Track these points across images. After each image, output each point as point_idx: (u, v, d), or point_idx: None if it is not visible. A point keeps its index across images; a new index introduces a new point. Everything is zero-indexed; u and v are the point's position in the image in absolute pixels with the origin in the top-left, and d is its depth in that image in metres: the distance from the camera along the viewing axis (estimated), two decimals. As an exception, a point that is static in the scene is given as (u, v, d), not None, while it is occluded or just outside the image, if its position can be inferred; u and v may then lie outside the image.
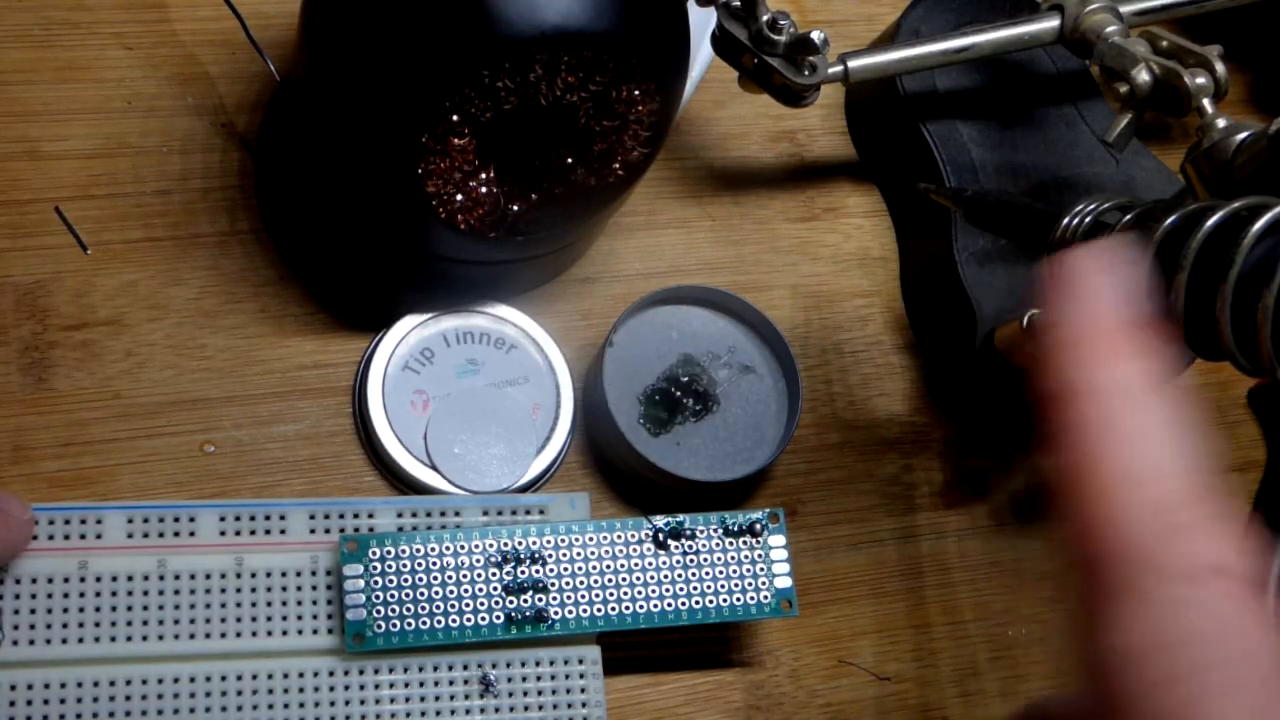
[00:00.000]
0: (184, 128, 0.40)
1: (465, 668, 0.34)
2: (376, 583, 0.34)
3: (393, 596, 0.34)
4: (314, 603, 0.34)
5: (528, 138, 0.34)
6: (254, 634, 0.33)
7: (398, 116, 0.32)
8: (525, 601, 0.35)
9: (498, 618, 0.34)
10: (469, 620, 0.34)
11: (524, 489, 0.38)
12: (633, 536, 0.36)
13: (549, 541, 0.35)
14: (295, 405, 0.38)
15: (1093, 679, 0.20)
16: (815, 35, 0.37)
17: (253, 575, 0.34)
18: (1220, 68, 0.38)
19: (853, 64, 0.40)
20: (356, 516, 0.35)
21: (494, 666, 0.34)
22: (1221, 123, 0.37)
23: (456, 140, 0.33)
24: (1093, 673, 0.20)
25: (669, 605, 0.36)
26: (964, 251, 0.42)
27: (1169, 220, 0.30)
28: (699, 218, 0.44)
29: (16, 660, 0.32)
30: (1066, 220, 0.34)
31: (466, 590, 0.34)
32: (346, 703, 0.33)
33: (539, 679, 0.35)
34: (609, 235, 0.43)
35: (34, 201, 0.38)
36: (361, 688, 0.33)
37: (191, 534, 0.34)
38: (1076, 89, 0.46)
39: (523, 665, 0.35)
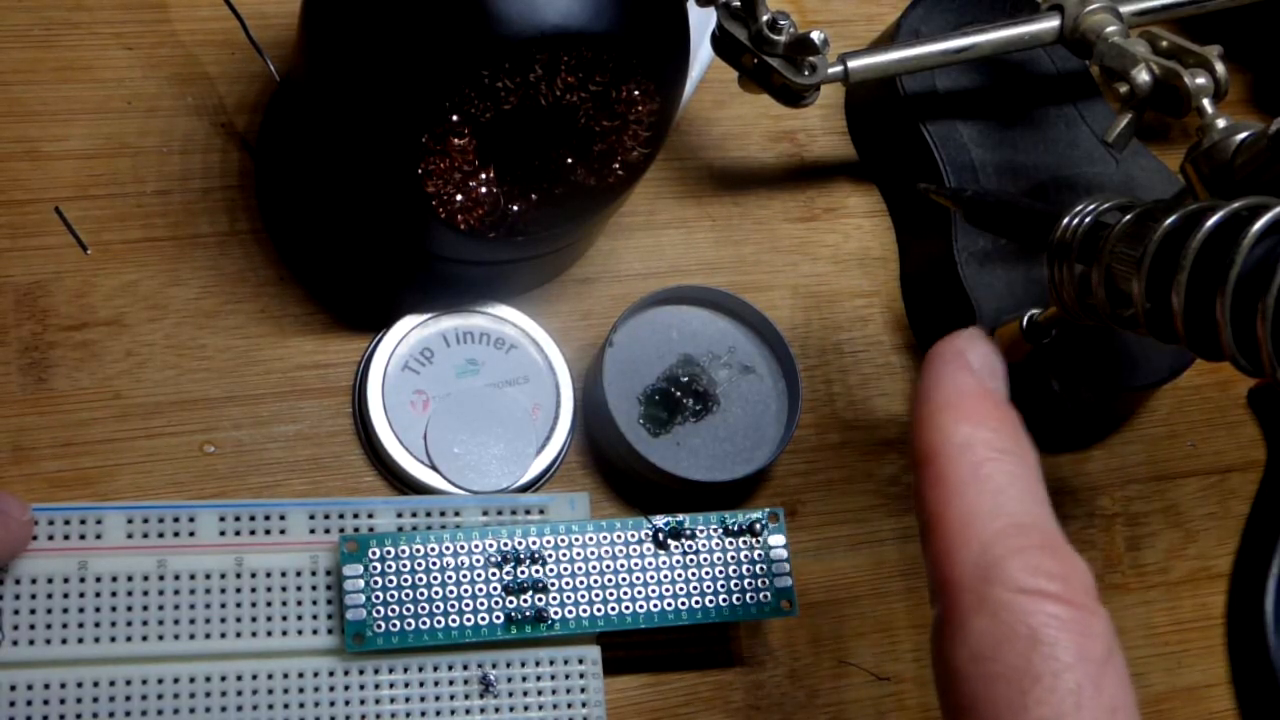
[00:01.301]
0: (184, 128, 0.40)
1: (465, 668, 0.34)
2: (376, 583, 0.34)
3: (393, 596, 0.34)
4: (314, 603, 0.34)
5: (528, 138, 0.34)
6: (254, 634, 0.33)
7: (398, 116, 0.32)
8: (525, 601, 0.35)
9: (498, 618, 0.34)
10: (469, 620, 0.34)
11: (524, 489, 0.38)
12: (633, 536, 0.36)
13: (549, 541, 0.35)
14: (295, 405, 0.38)
15: (949, 695, 0.24)
16: (815, 35, 0.37)
17: (253, 575, 0.34)
18: (1220, 68, 0.38)
19: (853, 64, 0.40)
20: (356, 516, 0.35)
21: (494, 666, 0.34)
22: (1221, 123, 0.37)
23: (456, 140, 0.33)
24: (948, 689, 0.24)
25: (669, 605, 0.36)
26: (964, 251, 0.42)
27: (1169, 220, 0.30)
28: (699, 218, 0.44)
29: (16, 660, 0.32)
30: (1066, 220, 0.34)
31: (466, 590, 0.34)
32: (346, 703, 0.33)
33: (539, 679, 0.35)
34: (609, 235, 0.43)
35: (34, 201, 0.38)
36: (361, 688, 0.33)
37: (191, 534, 0.34)
38: (1076, 89, 0.46)
39: (523, 665, 0.35)
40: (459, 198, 0.34)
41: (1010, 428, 0.27)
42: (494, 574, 0.35)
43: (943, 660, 0.24)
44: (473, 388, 0.39)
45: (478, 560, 0.35)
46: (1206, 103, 0.38)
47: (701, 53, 0.42)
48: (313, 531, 0.35)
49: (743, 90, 0.40)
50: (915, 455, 0.27)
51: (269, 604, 0.34)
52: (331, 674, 0.33)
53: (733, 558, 0.36)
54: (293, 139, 0.39)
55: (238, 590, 0.34)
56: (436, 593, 0.34)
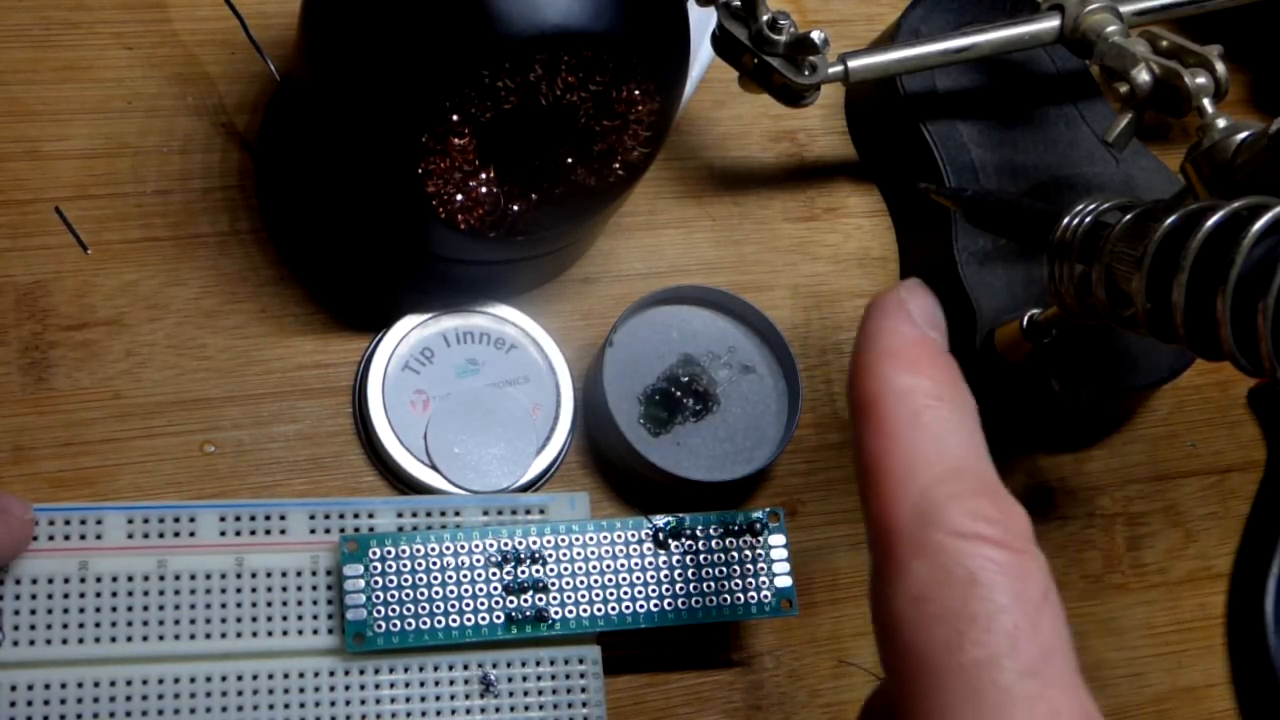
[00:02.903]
0: (184, 128, 0.40)
1: (465, 668, 0.34)
2: (377, 583, 0.34)
3: (393, 596, 0.34)
4: (314, 603, 0.34)
5: (528, 138, 0.34)
6: (254, 634, 0.33)
7: (398, 116, 0.32)
8: (525, 601, 0.35)
9: (498, 617, 0.34)
10: (469, 620, 0.34)
11: (524, 489, 0.38)
12: (633, 536, 0.36)
13: (549, 541, 0.35)
14: (295, 405, 0.38)
15: (888, 639, 0.24)
16: (815, 35, 0.37)
17: (253, 575, 0.34)
18: (1220, 68, 0.38)
19: (853, 64, 0.40)
20: (356, 516, 0.35)
21: (494, 666, 0.34)
22: (1221, 123, 0.37)
23: (456, 140, 0.33)
24: (887, 634, 0.24)
25: (669, 605, 0.36)
26: (964, 251, 0.42)
27: (1169, 220, 0.30)
28: (699, 218, 0.44)
29: (17, 661, 0.32)
30: (1066, 220, 0.34)
31: (466, 590, 0.34)
32: (347, 703, 0.33)
33: (539, 679, 0.35)
34: (609, 235, 0.43)
35: (34, 201, 0.38)
36: (362, 688, 0.33)
37: (191, 534, 0.34)
38: (1076, 89, 0.46)
39: (523, 665, 0.35)
40: (459, 198, 0.34)
41: (950, 376, 0.27)
42: (494, 574, 0.35)
43: (881, 606, 0.24)
44: (473, 388, 0.39)
45: (478, 560, 0.35)
46: (1206, 103, 0.38)
47: (701, 53, 0.42)
48: (313, 531, 0.35)
49: (743, 90, 0.40)
50: (854, 403, 0.26)
51: (269, 604, 0.34)
52: (332, 674, 0.33)
53: (733, 557, 0.36)
54: (293, 139, 0.39)
55: (238, 590, 0.34)
56: (437, 593, 0.34)
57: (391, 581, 0.34)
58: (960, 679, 0.22)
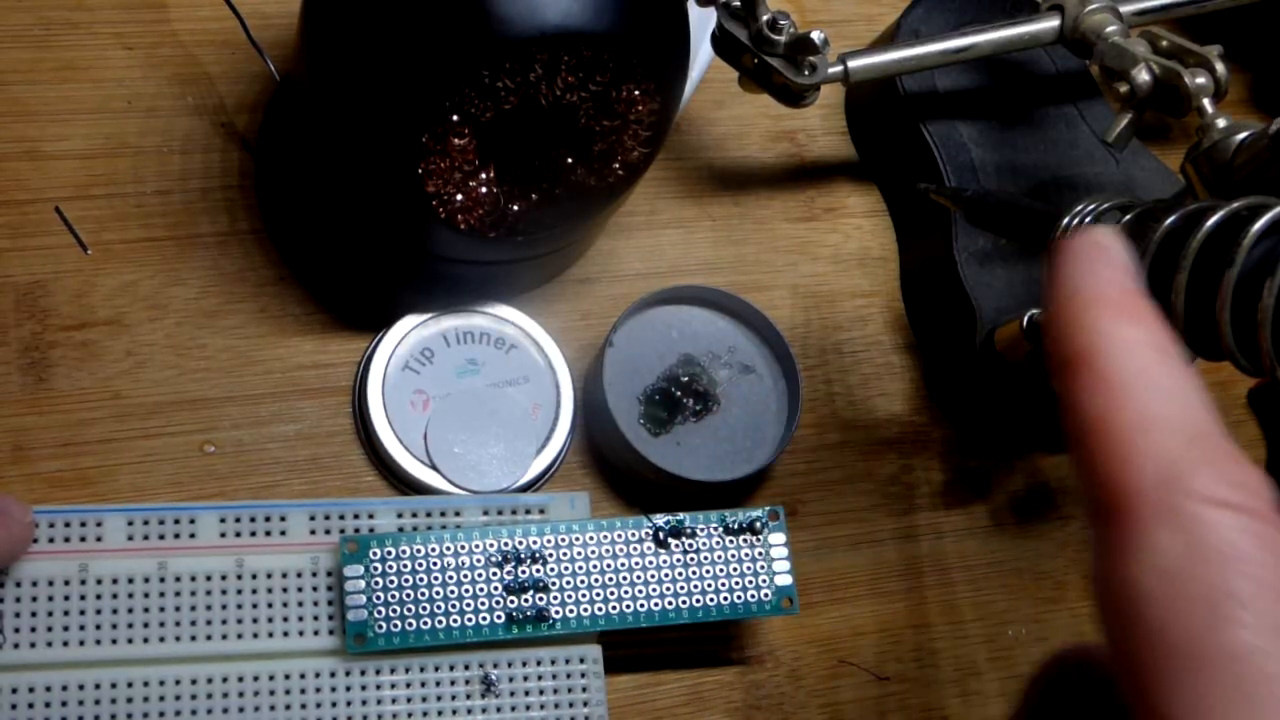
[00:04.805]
0: (184, 128, 0.40)
1: (466, 668, 0.34)
2: (377, 583, 0.34)
3: (393, 597, 0.34)
4: (315, 604, 0.34)
5: (528, 138, 0.34)
6: (255, 635, 0.33)
7: (398, 116, 0.32)
8: (526, 601, 0.35)
9: (498, 617, 0.34)
10: (470, 620, 0.34)
11: (524, 489, 0.38)
12: (633, 535, 0.36)
13: (549, 541, 0.35)
14: (295, 405, 0.38)
15: (1126, 618, 0.21)
16: (815, 35, 0.37)
17: (253, 576, 0.34)
18: (1220, 68, 0.38)
19: (853, 64, 0.40)
20: (356, 517, 0.35)
21: (495, 666, 0.34)
22: (1221, 123, 0.37)
23: (456, 140, 0.33)
24: (1125, 611, 0.21)
25: (669, 604, 0.36)
26: (964, 251, 0.42)
27: (1169, 220, 0.30)
28: (699, 218, 0.44)
29: (17, 663, 0.32)
30: (1066, 220, 0.34)
31: (467, 590, 0.34)
32: (348, 704, 0.33)
33: (540, 678, 0.35)
34: (609, 235, 0.43)
35: (34, 201, 0.38)
36: (363, 688, 0.33)
37: (192, 535, 0.34)
38: (1076, 89, 0.46)
39: (524, 665, 0.35)
40: (459, 198, 0.34)
41: (1165, 330, 0.23)
42: (495, 574, 0.35)
43: (1117, 580, 0.21)
44: (473, 388, 0.39)
45: (478, 560, 0.35)
46: (1206, 103, 0.38)
47: (701, 53, 0.42)
48: (313, 532, 0.35)
49: (743, 90, 0.40)
50: (1064, 356, 0.23)
51: (270, 605, 0.34)
52: (333, 675, 0.33)
53: (733, 556, 0.36)
54: (293, 139, 0.39)
55: (238, 592, 0.34)
56: (437, 593, 0.34)
57: (392, 582, 0.34)
58: (1226, 668, 0.20)
